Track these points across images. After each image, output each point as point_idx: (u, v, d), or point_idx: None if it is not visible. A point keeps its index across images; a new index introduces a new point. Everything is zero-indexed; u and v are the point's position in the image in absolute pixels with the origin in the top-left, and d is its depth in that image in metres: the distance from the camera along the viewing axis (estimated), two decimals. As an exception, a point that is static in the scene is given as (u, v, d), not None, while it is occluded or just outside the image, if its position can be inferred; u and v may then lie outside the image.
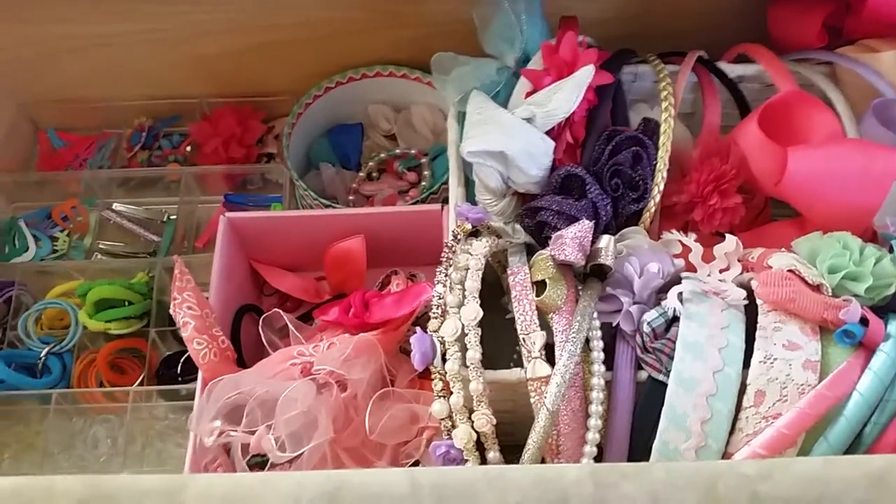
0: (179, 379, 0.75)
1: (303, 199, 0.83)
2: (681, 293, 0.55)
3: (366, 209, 0.80)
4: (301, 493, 0.41)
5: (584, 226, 0.58)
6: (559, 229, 0.61)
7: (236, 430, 0.58)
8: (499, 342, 0.63)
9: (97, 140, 0.95)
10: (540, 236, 0.65)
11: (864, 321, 0.53)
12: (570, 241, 0.57)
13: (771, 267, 0.55)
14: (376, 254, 0.75)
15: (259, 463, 0.60)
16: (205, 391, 0.60)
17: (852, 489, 0.42)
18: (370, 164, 0.88)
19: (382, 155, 0.89)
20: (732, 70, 0.72)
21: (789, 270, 0.54)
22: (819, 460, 0.42)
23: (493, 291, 0.69)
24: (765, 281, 0.53)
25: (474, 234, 0.64)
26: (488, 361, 0.57)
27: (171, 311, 0.65)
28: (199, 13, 0.84)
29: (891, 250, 0.57)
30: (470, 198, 0.70)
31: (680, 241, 0.59)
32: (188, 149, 0.91)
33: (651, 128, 0.64)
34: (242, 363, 0.68)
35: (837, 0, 0.72)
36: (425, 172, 0.87)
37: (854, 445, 0.51)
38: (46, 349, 0.77)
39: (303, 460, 0.57)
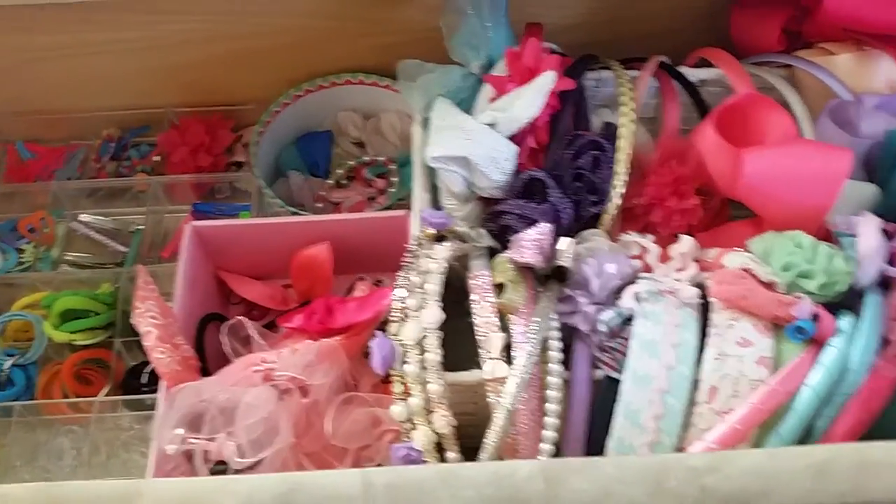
0: (145, 389, 0.75)
1: (271, 208, 0.83)
2: (637, 293, 0.56)
3: (331, 216, 0.80)
4: (255, 495, 0.41)
5: (543, 228, 0.58)
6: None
7: (198, 438, 0.58)
8: (465, 345, 0.63)
9: (66, 151, 0.94)
10: (503, 240, 0.65)
11: (815, 318, 0.54)
12: (529, 243, 0.57)
13: (725, 266, 0.56)
14: (343, 260, 0.75)
15: (222, 470, 0.60)
16: (167, 399, 0.59)
17: (797, 479, 0.42)
18: (339, 171, 0.89)
19: (351, 162, 0.89)
20: (694, 74, 0.73)
21: (743, 269, 0.55)
22: (765, 452, 0.43)
23: (461, 296, 0.69)
24: (718, 279, 0.54)
25: (440, 238, 0.65)
26: (454, 364, 0.57)
27: (133, 320, 0.65)
28: (168, 23, 0.84)
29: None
30: (436, 203, 0.71)
31: (638, 242, 0.60)
32: (156, 159, 0.91)
33: (611, 132, 0.65)
34: (207, 372, 0.68)
35: (796, 5, 0.73)
36: (394, 179, 0.88)
37: (805, 439, 0.52)
38: (10, 361, 0.76)
39: (264, 466, 0.56)
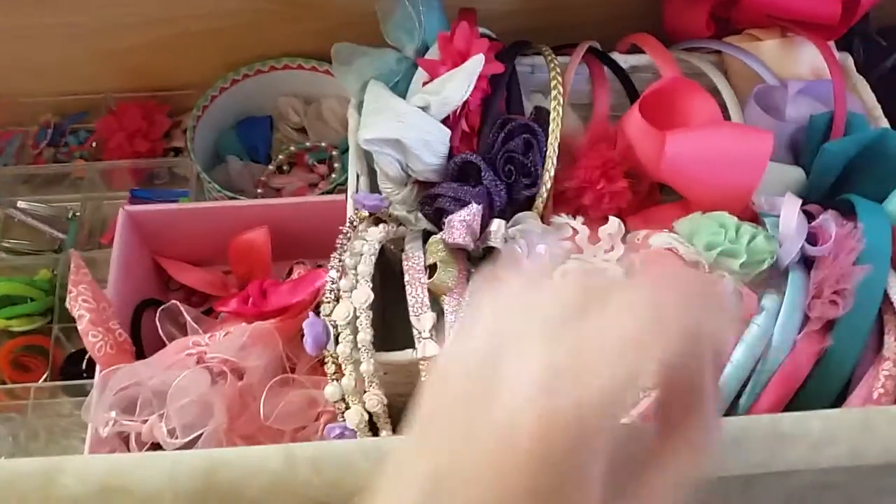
0: (84, 375, 0.75)
1: (209, 193, 0.82)
2: (566, 272, 0.57)
3: (269, 200, 0.80)
4: (177, 470, 0.42)
5: (473, 209, 0.59)
6: (457, 215, 0.63)
7: (131, 420, 0.58)
8: (406, 326, 0.64)
9: (2, 138, 0.93)
10: (439, 222, 0.66)
11: (738, 296, 0.56)
12: (459, 223, 0.58)
13: (651, 246, 0.57)
14: (283, 245, 0.76)
15: (157, 453, 0.60)
16: (100, 382, 0.59)
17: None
18: (280, 156, 0.89)
19: (292, 148, 0.89)
20: (625, 60, 0.74)
21: (667, 248, 0.56)
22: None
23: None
24: (643, 259, 0.55)
25: (379, 221, 0.65)
26: (398, 345, 0.58)
27: (67, 305, 0.65)
28: (106, 7, 0.83)
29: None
30: (375, 188, 0.71)
31: (568, 223, 0.61)
32: (94, 144, 0.90)
33: (542, 116, 0.66)
34: (143, 357, 0.67)
35: (724, -8, 0.75)
36: (336, 165, 0.88)
37: (731, 415, 0.53)
38: (-56, 348, 0.75)
39: (198, 448, 0.57)
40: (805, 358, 0.57)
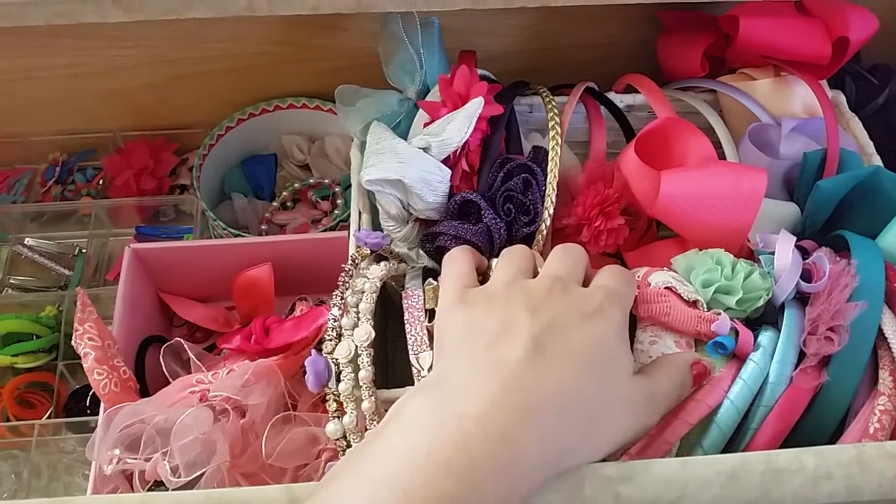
0: (89, 412, 0.75)
1: (214, 230, 0.84)
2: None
3: (273, 237, 0.81)
4: (180, 512, 0.42)
5: None
6: (457, 254, 0.64)
7: (134, 458, 0.58)
8: (408, 361, 0.65)
9: (10, 176, 0.95)
10: (440, 260, 0.67)
11: (735, 333, 0.56)
12: None
13: (650, 284, 0.58)
14: (286, 282, 0.77)
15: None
16: (104, 420, 0.60)
17: (708, 487, 0.44)
18: (284, 193, 0.90)
19: (296, 185, 0.91)
20: (621, 100, 0.76)
21: (666, 287, 0.57)
22: (677, 461, 0.45)
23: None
24: (641, 298, 0.56)
25: (381, 259, 0.66)
26: (399, 381, 0.59)
27: (72, 343, 0.65)
28: (114, 48, 0.85)
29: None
30: (377, 225, 0.72)
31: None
32: (101, 182, 0.92)
33: (540, 155, 0.67)
34: (147, 394, 0.68)
35: (718, 32, 0.76)
36: (339, 201, 0.89)
37: (729, 451, 0.54)
38: (-51, 386, 0.76)
39: (200, 486, 0.57)
40: (802, 394, 0.57)
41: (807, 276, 0.60)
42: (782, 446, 0.56)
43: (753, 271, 0.59)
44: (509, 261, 0.53)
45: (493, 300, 0.48)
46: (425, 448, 0.37)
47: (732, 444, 0.56)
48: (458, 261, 0.54)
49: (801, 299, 0.60)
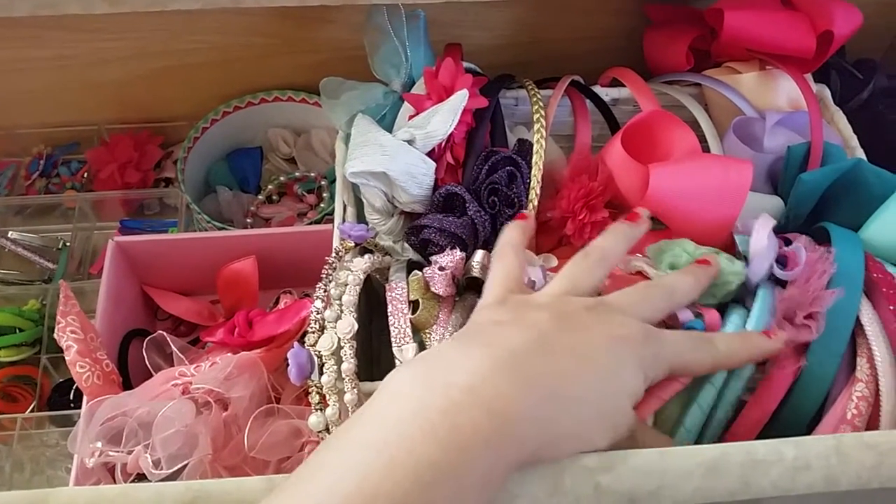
0: (73, 405, 0.75)
1: (199, 223, 0.83)
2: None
3: (257, 230, 0.81)
4: (160, 502, 0.42)
5: (455, 256, 0.60)
6: (442, 245, 0.64)
7: (117, 451, 0.58)
8: (392, 354, 0.65)
9: (-6, 168, 0.94)
10: (425, 252, 0.67)
11: (699, 315, 0.56)
12: (440, 277, 0.59)
13: (622, 270, 0.58)
14: (271, 275, 0.76)
15: (143, 484, 0.60)
16: (86, 413, 0.60)
17: (688, 478, 0.44)
18: (269, 187, 0.90)
19: (282, 178, 0.90)
20: (607, 93, 0.76)
21: (637, 272, 0.57)
22: (657, 452, 0.44)
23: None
24: (612, 284, 0.56)
25: (366, 251, 0.66)
26: (384, 374, 0.58)
27: (55, 335, 0.65)
28: (99, 41, 0.85)
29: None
30: (362, 218, 0.72)
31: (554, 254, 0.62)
32: (85, 175, 0.91)
33: (525, 148, 0.67)
34: (131, 387, 0.68)
35: (703, 26, 0.76)
36: (325, 194, 0.89)
37: (705, 430, 0.54)
38: (-68, 379, 0.76)
39: (182, 478, 0.57)
40: (781, 380, 0.57)
41: (785, 264, 0.60)
42: (762, 432, 0.56)
43: (721, 254, 0.59)
44: (567, 276, 0.50)
45: (529, 308, 0.46)
46: (411, 413, 0.37)
47: (709, 419, 0.56)
48: (508, 260, 0.52)
49: (780, 285, 0.61)
